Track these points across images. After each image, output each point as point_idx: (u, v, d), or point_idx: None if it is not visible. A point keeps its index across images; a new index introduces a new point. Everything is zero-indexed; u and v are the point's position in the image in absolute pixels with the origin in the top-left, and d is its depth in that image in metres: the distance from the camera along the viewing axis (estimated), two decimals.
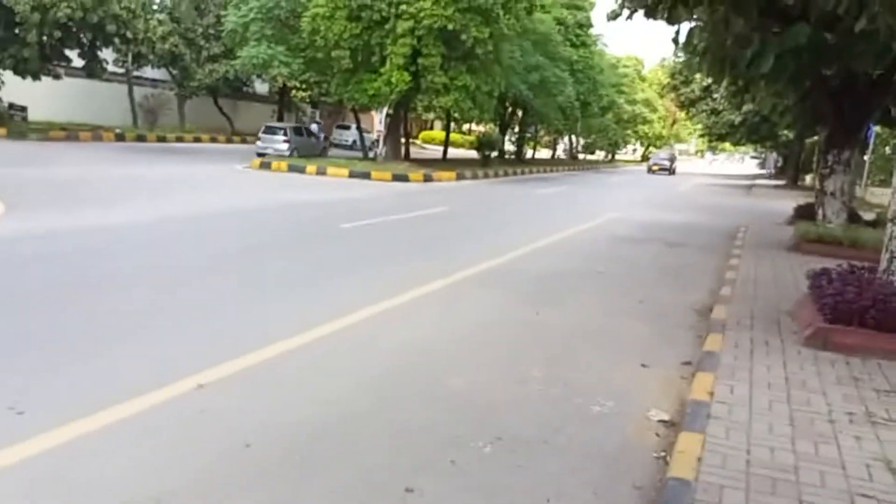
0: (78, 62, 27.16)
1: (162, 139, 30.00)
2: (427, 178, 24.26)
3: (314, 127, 35.27)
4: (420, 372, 4.69)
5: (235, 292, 6.55)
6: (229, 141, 35.35)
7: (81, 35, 26.17)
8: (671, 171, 47.31)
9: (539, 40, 34.27)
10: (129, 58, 30.97)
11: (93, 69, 27.34)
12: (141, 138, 28.97)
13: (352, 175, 22.86)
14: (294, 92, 41.16)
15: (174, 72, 33.68)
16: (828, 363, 4.98)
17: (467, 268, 8.53)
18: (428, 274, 7.92)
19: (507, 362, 5.00)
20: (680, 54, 19.91)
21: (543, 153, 59.81)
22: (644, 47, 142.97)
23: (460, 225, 13.13)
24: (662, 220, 16.67)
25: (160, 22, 30.62)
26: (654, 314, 6.76)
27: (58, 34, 24.54)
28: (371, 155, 28.19)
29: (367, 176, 22.91)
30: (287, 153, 25.22)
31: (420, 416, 3.93)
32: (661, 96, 58.73)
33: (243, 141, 35.97)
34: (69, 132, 26.30)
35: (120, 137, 27.90)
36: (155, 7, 31.66)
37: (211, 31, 32.22)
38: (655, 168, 47.50)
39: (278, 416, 3.80)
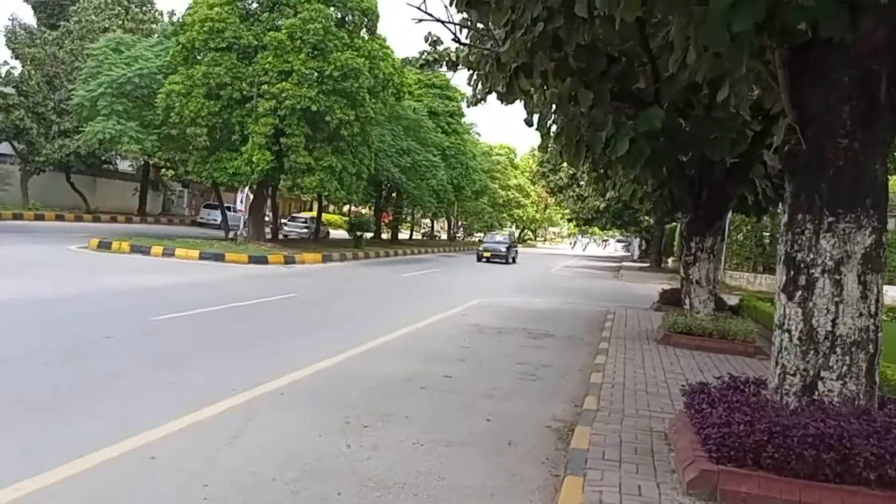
0: None
1: None
2: (289, 261, 22.52)
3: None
4: None
5: None
6: (79, 219, 32.18)
7: None
8: (509, 260, 33.51)
9: (410, 125, 34.40)
10: None
11: None
12: None
13: (202, 257, 20.66)
14: (164, 170, 38.63)
15: (19, 146, 30.39)
16: None
17: (285, 373, 6.86)
18: (228, 384, 6.19)
19: None
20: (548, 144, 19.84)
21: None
22: (516, 137, 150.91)
23: (303, 315, 11.40)
24: (529, 305, 15.76)
25: (4, 95, 28.33)
26: (502, 440, 5.33)
27: None
28: (231, 235, 26.04)
29: (220, 258, 20.79)
30: None
31: None
32: (533, 182, 60.67)
33: (96, 219, 32.88)
34: None
35: None
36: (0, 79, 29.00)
37: (63, 105, 29.70)
38: (487, 255, 33.04)
39: None
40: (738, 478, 4.02)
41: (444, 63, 12.26)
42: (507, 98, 9.15)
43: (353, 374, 7.20)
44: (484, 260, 32.83)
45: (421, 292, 17.38)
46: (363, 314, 12.34)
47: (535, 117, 10.64)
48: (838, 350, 4.47)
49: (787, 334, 4.62)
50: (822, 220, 4.50)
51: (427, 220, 62.43)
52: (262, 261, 21.30)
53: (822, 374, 4.50)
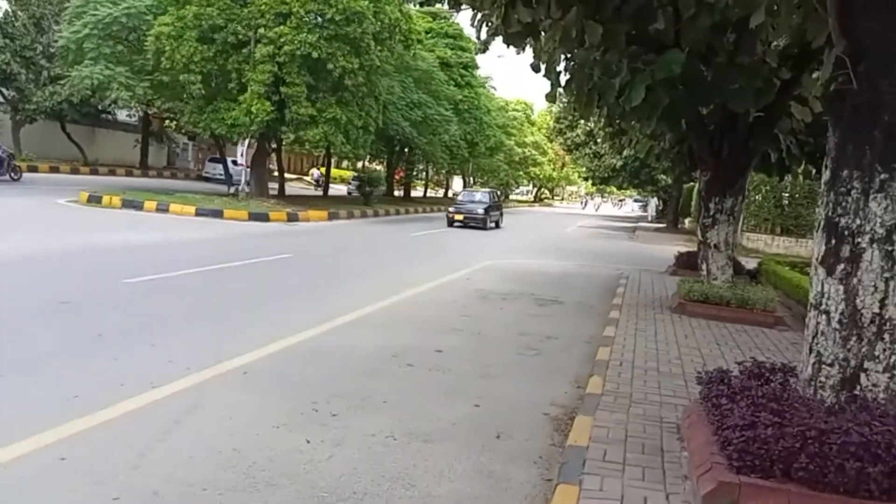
0: None
1: None
2: (292, 218, 21.86)
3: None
4: None
5: None
6: (75, 171, 31.17)
7: None
8: (488, 224, 25.75)
9: (421, 77, 33.23)
10: None
11: None
12: None
13: (199, 213, 20.04)
14: (167, 122, 37.72)
15: (7, 93, 29.47)
16: None
17: (255, 348, 6.23)
18: (184, 362, 5.55)
19: None
20: (564, 99, 18.77)
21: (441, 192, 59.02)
22: (534, 93, 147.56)
23: (293, 278, 10.75)
24: (539, 268, 15.03)
25: None
26: (490, 432, 4.67)
27: None
28: (231, 190, 25.34)
29: (218, 214, 20.16)
30: None
31: None
32: (550, 140, 59.21)
33: (93, 172, 32.13)
34: None
35: None
36: None
37: (52, 49, 28.43)
38: (459, 218, 25.34)
39: None
40: (764, 492, 3.32)
41: (447, 1, 11.21)
42: (513, 40, 8.26)
43: (333, 349, 6.55)
44: (457, 224, 25.14)
45: (427, 253, 16.68)
46: (359, 277, 11.68)
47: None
48: (886, 336, 3.73)
49: (824, 316, 3.87)
50: (872, 177, 3.71)
51: (442, 179, 61.41)
52: (264, 218, 20.66)
53: (866, 364, 3.77)
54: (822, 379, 3.85)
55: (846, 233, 3.75)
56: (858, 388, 3.75)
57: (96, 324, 6.75)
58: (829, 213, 3.83)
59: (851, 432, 3.32)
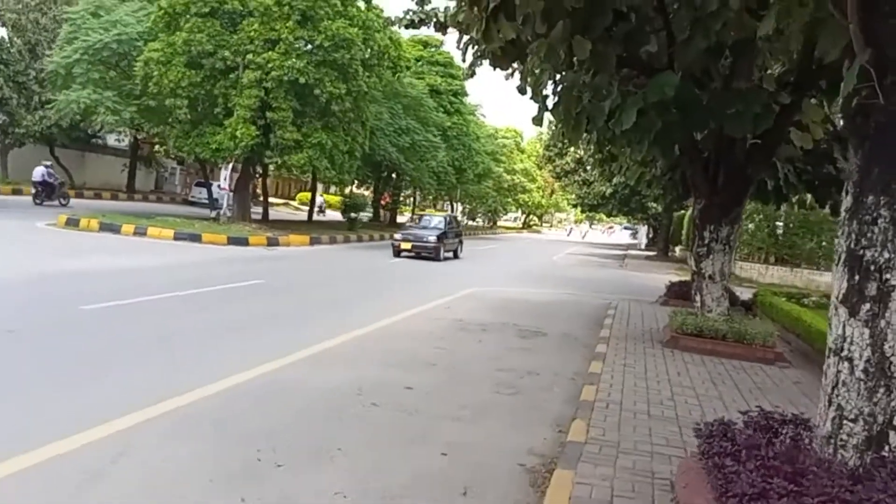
0: None
1: None
2: (272, 242, 21.32)
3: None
4: None
5: None
6: None
7: None
8: (441, 255, 21.72)
9: (410, 104, 33.09)
10: None
11: None
12: None
13: (177, 237, 19.46)
14: (157, 147, 37.38)
15: None
16: None
17: (203, 384, 5.60)
18: (120, 402, 4.95)
19: None
20: (553, 124, 18.43)
21: None
22: (524, 121, 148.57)
23: (261, 306, 10.09)
24: (523, 296, 14.45)
25: None
26: (457, 487, 4.01)
27: None
28: (213, 214, 24.79)
29: (196, 238, 19.58)
30: None
31: None
32: (540, 167, 59.10)
33: (79, 195, 31.65)
34: None
35: None
36: None
37: (44, 74, 28.33)
38: (406, 247, 21.40)
39: None
40: None
41: (433, 24, 10.83)
42: (499, 62, 7.80)
43: (291, 386, 5.93)
44: (406, 254, 21.37)
45: (408, 280, 16.08)
46: (333, 305, 11.06)
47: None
48: None
49: (846, 363, 3.32)
50: None
51: (430, 204, 61.08)
52: (243, 242, 20.13)
53: None
54: (844, 437, 3.29)
55: (872, 268, 3.22)
56: (887, 448, 3.19)
57: (38, 355, 6.13)
58: (852, 245, 3.30)
59: None
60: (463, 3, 6.66)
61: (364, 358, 7.30)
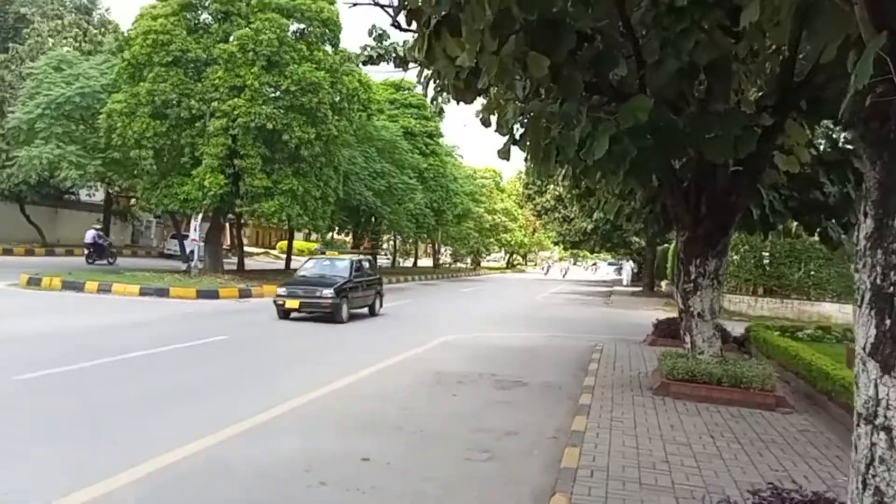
0: None
1: None
2: (244, 294, 20.49)
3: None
4: None
5: None
6: (30, 253, 30.35)
7: None
8: (341, 313, 15.17)
9: (384, 147, 32.71)
10: None
11: None
12: None
13: (143, 293, 18.61)
14: (132, 200, 36.78)
15: None
16: None
17: (126, 467, 4.79)
18: (30, 491, 4.20)
19: None
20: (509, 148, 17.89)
21: (420, 261, 58.00)
22: (503, 161, 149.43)
23: (217, 366, 9.25)
24: (504, 342, 13.68)
25: None
26: None
27: None
28: (184, 267, 23.94)
29: (164, 293, 18.73)
30: None
31: None
32: (521, 206, 58.97)
33: (49, 253, 30.94)
34: None
35: None
36: None
37: (6, 131, 27.78)
38: (293, 305, 15.03)
39: None
40: None
41: (392, 60, 10.35)
42: (461, 95, 7.25)
43: (228, 465, 5.12)
44: (294, 316, 15.50)
45: (382, 329, 15.26)
46: (300, 361, 10.25)
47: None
48: None
49: (882, 434, 2.62)
50: None
51: (410, 248, 60.48)
52: (213, 295, 19.28)
53: None
54: None
55: None
56: None
57: None
58: (878, 281, 2.65)
59: None
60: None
61: (320, 424, 6.51)
